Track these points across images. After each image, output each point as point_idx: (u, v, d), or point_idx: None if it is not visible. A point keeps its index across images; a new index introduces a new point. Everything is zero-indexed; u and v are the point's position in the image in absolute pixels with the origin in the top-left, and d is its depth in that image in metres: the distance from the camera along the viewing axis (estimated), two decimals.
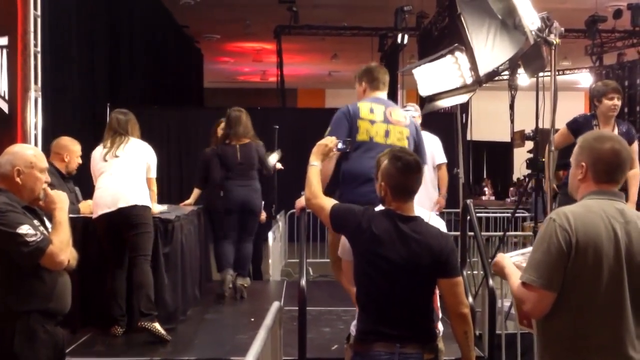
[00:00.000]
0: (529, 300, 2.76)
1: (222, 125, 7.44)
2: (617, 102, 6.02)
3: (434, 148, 7.38)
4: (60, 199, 3.63)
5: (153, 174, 5.96)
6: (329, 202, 3.59)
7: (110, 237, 5.75)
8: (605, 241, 2.71)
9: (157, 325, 5.50)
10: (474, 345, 3.44)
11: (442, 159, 7.47)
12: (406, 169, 3.36)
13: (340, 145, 4.02)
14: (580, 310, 2.72)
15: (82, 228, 5.89)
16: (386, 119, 4.91)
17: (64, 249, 3.45)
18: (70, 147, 6.30)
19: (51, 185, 5.90)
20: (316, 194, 3.67)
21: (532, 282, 2.72)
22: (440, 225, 3.86)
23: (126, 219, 5.63)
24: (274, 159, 7.82)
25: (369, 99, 5.03)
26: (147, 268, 5.64)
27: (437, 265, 3.28)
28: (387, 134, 4.86)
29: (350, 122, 4.83)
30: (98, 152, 5.90)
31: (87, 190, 6.19)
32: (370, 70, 5.17)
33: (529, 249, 3.05)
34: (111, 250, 5.76)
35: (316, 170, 3.79)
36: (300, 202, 4.37)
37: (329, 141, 3.93)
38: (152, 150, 6.00)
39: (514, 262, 3.06)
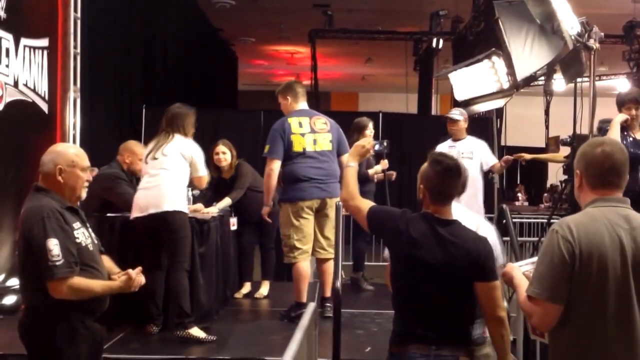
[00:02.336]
0: (535, 314, 2.74)
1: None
2: (634, 112, 6.00)
3: (482, 153, 7.43)
4: (125, 285, 3.61)
5: (199, 172, 5.77)
6: (366, 204, 3.59)
7: (145, 239, 5.75)
8: (609, 249, 2.66)
9: (191, 331, 5.48)
10: (510, 350, 3.40)
11: (493, 160, 7.58)
12: (446, 173, 3.35)
13: (377, 147, 4.04)
14: (589, 320, 2.68)
15: (120, 228, 5.96)
16: (312, 130, 6.23)
17: (69, 293, 3.39)
18: (133, 149, 6.35)
19: (125, 180, 6.12)
20: (353, 195, 3.65)
21: (537, 295, 2.70)
22: (490, 230, 3.85)
23: (158, 223, 5.59)
24: None
25: (296, 112, 6.29)
26: (180, 275, 5.55)
27: (475, 268, 3.26)
28: (314, 142, 6.20)
29: (284, 137, 6.13)
30: (144, 153, 5.89)
31: None
32: (291, 86, 6.45)
33: None
34: (147, 251, 5.74)
35: (353, 171, 3.76)
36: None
37: (367, 142, 3.90)
38: (197, 148, 5.78)
39: (523, 271, 3.02)
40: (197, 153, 5.76)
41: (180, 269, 5.56)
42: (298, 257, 6.17)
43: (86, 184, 3.67)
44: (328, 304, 6.20)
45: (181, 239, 5.61)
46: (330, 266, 6.34)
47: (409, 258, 3.30)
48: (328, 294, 6.33)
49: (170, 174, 5.65)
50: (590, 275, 2.65)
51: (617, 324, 2.68)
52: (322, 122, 6.37)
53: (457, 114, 7.47)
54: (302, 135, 6.22)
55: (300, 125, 6.25)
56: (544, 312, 2.70)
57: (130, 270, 3.66)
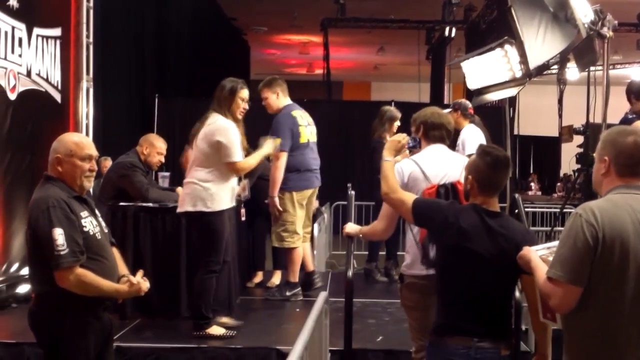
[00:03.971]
0: (555, 295, 2.75)
1: None
2: None
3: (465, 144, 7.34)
4: (134, 290, 3.58)
5: (228, 158, 5.23)
6: (409, 196, 3.62)
7: (188, 235, 5.80)
8: (632, 236, 2.68)
9: (209, 331, 5.39)
10: (550, 340, 3.43)
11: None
12: (495, 164, 3.38)
13: (410, 143, 4.07)
14: (607, 305, 2.70)
15: (133, 216, 5.99)
16: (308, 123, 6.67)
17: (76, 283, 3.38)
18: (153, 142, 6.34)
19: (141, 170, 6.07)
20: (394, 188, 3.69)
21: (559, 277, 2.70)
22: None
23: (186, 222, 5.60)
24: None
25: (290, 106, 6.65)
26: (203, 275, 5.34)
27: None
28: (311, 133, 6.66)
29: (292, 129, 6.47)
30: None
31: None
32: (278, 81, 6.71)
33: (555, 243, 3.01)
34: (188, 245, 5.82)
35: (391, 165, 3.81)
36: (349, 229, 4.53)
37: (402, 138, 3.96)
38: (227, 130, 5.27)
39: (539, 255, 3.05)
40: (225, 136, 5.25)
41: (204, 270, 5.36)
42: (297, 242, 6.65)
43: (88, 173, 3.59)
44: (315, 276, 7.08)
45: (205, 239, 5.34)
46: (308, 245, 7.15)
47: (459, 249, 3.31)
48: (312, 267, 7.15)
49: (198, 169, 5.30)
50: (611, 260, 2.67)
51: (636, 309, 2.69)
52: (308, 115, 6.82)
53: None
54: (305, 127, 6.61)
55: (302, 118, 6.63)
56: (565, 293, 2.71)
57: (133, 277, 3.61)
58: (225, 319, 5.61)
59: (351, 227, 4.50)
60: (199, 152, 5.31)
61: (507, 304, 3.39)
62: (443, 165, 4.02)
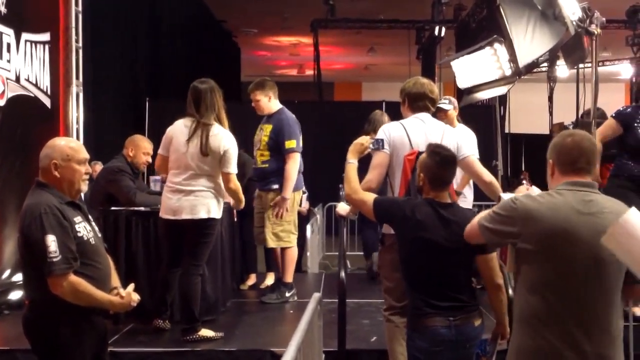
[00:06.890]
0: (471, 233, 3.30)
1: None
2: None
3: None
4: (126, 303, 3.60)
5: (228, 168, 5.38)
6: (369, 197, 3.88)
7: (169, 238, 5.56)
8: (560, 229, 2.83)
9: (200, 333, 5.38)
10: (506, 311, 3.74)
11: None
12: (443, 163, 3.69)
13: (372, 146, 4.24)
14: (532, 289, 2.90)
15: (125, 221, 5.96)
16: None
17: (69, 290, 3.37)
18: (137, 143, 6.30)
19: (128, 174, 6.07)
20: (356, 189, 3.94)
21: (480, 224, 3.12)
22: (456, 132, 4.63)
23: (187, 229, 5.36)
24: None
25: (285, 109, 6.70)
26: (194, 279, 5.34)
27: (476, 244, 3.55)
28: None
29: (300, 131, 6.59)
30: (180, 131, 5.45)
31: None
32: (271, 84, 6.72)
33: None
34: (170, 248, 5.57)
35: (354, 167, 4.04)
36: (340, 210, 4.85)
37: (365, 140, 4.19)
38: (234, 141, 5.43)
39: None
40: (233, 147, 5.41)
41: (196, 274, 5.37)
42: (293, 242, 6.72)
43: (85, 176, 3.62)
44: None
45: (205, 243, 5.41)
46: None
47: (419, 240, 3.61)
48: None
49: (211, 178, 5.39)
50: (528, 248, 2.88)
51: (562, 294, 2.86)
52: None
53: (446, 102, 6.93)
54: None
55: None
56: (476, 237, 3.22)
57: (123, 290, 3.64)
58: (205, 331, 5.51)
59: (342, 208, 4.79)
60: (200, 162, 5.34)
61: (469, 281, 3.72)
62: (426, 133, 4.34)
